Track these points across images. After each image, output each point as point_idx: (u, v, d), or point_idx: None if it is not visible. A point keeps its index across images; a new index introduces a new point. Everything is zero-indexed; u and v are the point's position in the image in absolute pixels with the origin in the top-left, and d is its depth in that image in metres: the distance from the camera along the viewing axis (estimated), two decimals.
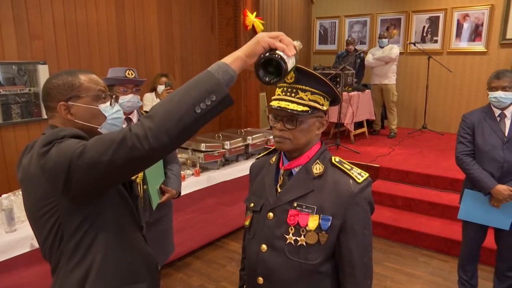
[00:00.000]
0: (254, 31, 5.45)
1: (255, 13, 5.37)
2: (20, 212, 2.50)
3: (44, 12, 3.60)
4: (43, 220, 1.11)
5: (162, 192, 2.45)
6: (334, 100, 1.31)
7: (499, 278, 2.83)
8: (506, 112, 2.61)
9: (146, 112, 2.56)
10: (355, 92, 5.92)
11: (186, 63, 5.13)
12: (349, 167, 1.26)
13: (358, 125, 6.28)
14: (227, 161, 3.88)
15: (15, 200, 2.47)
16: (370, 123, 6.64)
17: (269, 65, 0.98)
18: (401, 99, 6.96)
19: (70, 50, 3.85)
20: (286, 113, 1.22)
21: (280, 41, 0.99)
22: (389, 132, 6.46)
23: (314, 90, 1.23)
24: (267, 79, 0.99)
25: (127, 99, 2.24)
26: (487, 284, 3.02)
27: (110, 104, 1.24)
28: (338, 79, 5.81)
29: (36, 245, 2.35)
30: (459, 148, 2.73)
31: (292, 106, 1.20)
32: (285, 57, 0.97)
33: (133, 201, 1.29)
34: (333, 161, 1.28)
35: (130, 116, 2.35)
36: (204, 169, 3.67)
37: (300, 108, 1.20)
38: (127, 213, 1.23)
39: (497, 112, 2.63)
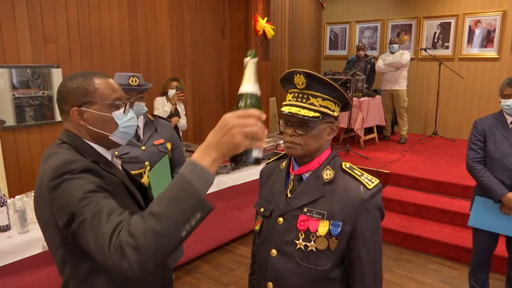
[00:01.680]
0: (264, 36, 5.48)
1: (266, 18, 5.40)
2: (32, 214, 2.53)
3: (59, 16, 3.66)
4: (51, 236, 1.11)
5: None
6: (345, 105, 1.31)
7: (511, 286, 2.80)
8: None
9: (154, 116, 2.59)
10: (365, 98, 5.90)
11: (197, 68, 5.17)
12: (359, 173, 1.27)
13: (368, 130, 6.25)
14: (236, 167, 3.89)
15: (28, 201, 2.51)
16: (380, 129, 6.61)
17: (243, 163, 0.95)
18: (412, 105, 6.92)
19: (83, 54, 3.91)
20: (297, 119, 1.23)
21: (256, 138, 0.91)
22: (399, 138, 6.42)
23: (325, 96, 1.23)
24: (240, 165, 0.97)
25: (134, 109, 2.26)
26: None
27: (124, 111, 1.21)
28: (348, 85, 5.80)
29: None
30: (470, 155, 2.71)
31: (303, 112, 1.21)
32: (259, 154, 0.94)
33: None
34: (343, 167, 1.29)
35: None
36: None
37: (311, 114, 1.20)
38: None
39: (509, 119, 2.61)
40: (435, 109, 6.56)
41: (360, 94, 5.93)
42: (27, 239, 2.32)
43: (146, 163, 2.31)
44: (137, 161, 2.26)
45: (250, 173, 3.82)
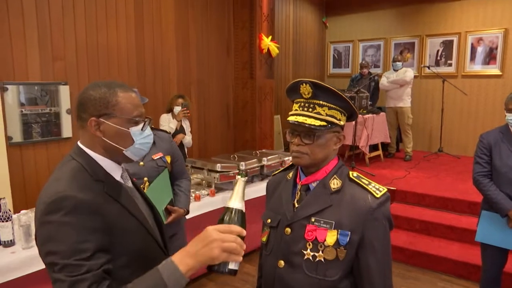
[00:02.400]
0: (269, 55, 5.54)
1: (270, 37, 5.47)
2: None
3: (67, 34, 3.73)
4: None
5: (168, 212, 2.41)
6: (351, 115, 1.32)
7: None
8: None
9: (153, 128, 2.55)
10: (370, 115, 5.92)
11: (202, 85, 5.22)
12: (367, 182, 1.26)
13: (373, 148, 6.25)
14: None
15: (33, 217, 2.50)
16: (385, 146, 6.60)
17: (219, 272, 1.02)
18: (416, 122, 6.92)
19: (90, 71, 3.96)
20: (303, 128, 1.23)
21: (233, 253, 0.98)
22: (405, 155, 6.40)
23: (331, 105, 1.24)
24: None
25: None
26: None
27: (142, 128, 1.18)
28: (352, 102, 5.81)
29: None
30: (476, 169, 2.70)
31: (309, 121, 1.21)
32: (235, 267, 1.01)
33: (160, 230, 1.29)
34: (351, 176, 1.28)
35: None
36: (219, 189, 3.67)
37: (318, 123, 1.21)
38: (150, 250, 1.19)
39: None
40: (439, 126, 6.56)
41: (365, 111, 5.95)
42: (31, 255, 2.30)
43: (145, 179, 2.30)
44: (135, 177, 2.23)
45: (255, 190, 3.80)
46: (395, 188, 4.73)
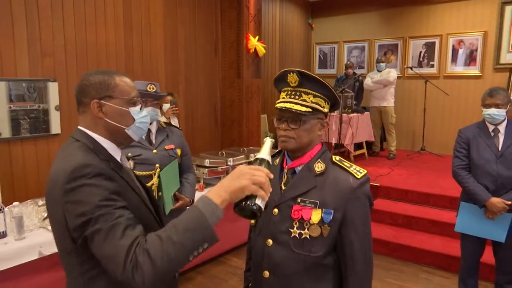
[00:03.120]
0: (256, 55, 5.63)
1: (257, 37, 5.56)
2: (29, 221, 2.56)
3: (56, 31, 3.76)
4: (59, 236, 1.17)
5: (176, 199, 2.55)
6: (334, 104, 1.41)
7: None
8: (500, 127, 2.72)
9: (167, 124, 2.71)
10: (355, 114, 6.05)
11: (190, 84, 5.28)
12: (348, 165, 1.35)
13: (358, 146, 6.38)
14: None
15: (24, 210, 2.54)
16: (369, 145, 6.75)
17: (246, 210, 1.09)
18: (400, 122, 7.09)
19: (79, 69, 3.99)
20: (290, 114, 1.32)
21: (261, 188, 1.07)
22: (388, 154, 6.55)
23: (316, 93, 1.33)
24: (241, 215, 1.11)
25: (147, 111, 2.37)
26: None
27: (140, 109, 1.29)
28: None
29: (45, 253, 2.42)
30: (455, 162, 2.83)
31: (296, 107, 1.30)
32: (261, 204, 1.08)
33: (155, 208, 1.35)
34: (333, 159, 1.37)
35: (149, 127, 2.48)
36: (208, 184, 3.74)
37: (304, 109, 1.30)
38: (150, 225, 1.24)
39: (491, 127, 2.74)
40: (422, 125, 6.74)
41: (350, 111, 6.08)
42: (24, 245, 2.35)
43: (157, 165, 2.43)
44: (148, 162, 2.39)
45: None
46: (379, 185, 4.86)
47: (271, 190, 1.09)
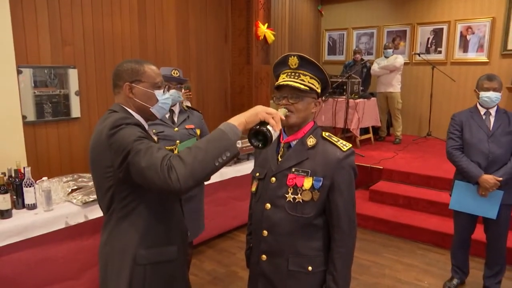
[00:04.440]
0: (265, 41, 5.80)
1: (266, 24, 5.72)
2: (55, 196, 2.83)
3: (75, 20, 3.99)
4: (102, 181, 1.44)
5: None
6: (325, 87, 1.61)
7: (489, 266, 3.06)
8: (491, 110, 2.91)
9: (188, 107, 3.02)
10: (361, 100, 6.21)
11: (201, 70, 5.49)
12: (336, 140, 1.57)
13: (364, 131, 6.55)
14: (238, 160, 4.19)
15: (51, 186, 2.80)
16: (376, 130, 6.90)
17: (259, 134, 1.30)
18: (406, 108, 7.21)
19: (96, 56, 4.23)
20: (290, 91, 1.51)
21: (272, 118, 1.30)
22: (394, 139, 6.70)
23: (312, 75, 1.54)
24: (255, 143, 1.32)
25: (170, 93, 2.62)
26: (480, 273, 3.22)
27: (163, 92, 1.56)
28: (344, 87, 6.11)
29: (70, 223, 2.69)
30: (449, 143, 3.01)
31: (296, 84, 1.51)
32: (272, 131, 1.29)
33: None
34: (323, 135, 1.59)
35: (172, 108, 2.78)
36: None
37: (302, 86, 1.51)
38: None
39: (482, 111, 2.93)
40: (429, 111, 6.86)
41: (356, 96, 6.23)
42: (52, 216, 2.61)
43: (177, 141, 2.70)
44: (170, 139, 2.68)
45: (251, 167, 4.10)
46: (382, 167, 5.04)
47: (280, 127, 1.32)
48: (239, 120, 1.29)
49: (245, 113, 1.31)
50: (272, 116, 1.30)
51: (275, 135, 1.30)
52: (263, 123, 1.30)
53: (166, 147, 2.61)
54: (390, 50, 6.50)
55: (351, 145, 1.56)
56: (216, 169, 1.25)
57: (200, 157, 1.21)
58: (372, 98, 6.56)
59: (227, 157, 1.25)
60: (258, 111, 1.30)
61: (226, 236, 4.11)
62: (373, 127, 6.66)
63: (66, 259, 2.68)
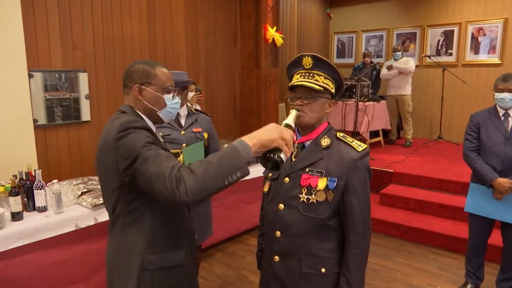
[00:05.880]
0: (274, 45, 5.80)
1: (275, 28, 5.72)
2: (65, 198, 2.83)
3: (86, 25, 4.02)
4: (108, 182, 1.42)
5: None
6: (339, 87, 1.58)
7: (503, 270, 2.99)
8: (510, 112, 2.85)
9: (197, 110, 2.98)
10: (371, 102, 6.15)
11: (210, 74, 5.50)
12: (351, 140, 1.54)
13: (374, 134, 6.49)
14: (248, 163, 4.15)
15: (61, 189, 2.80)
16: (386, 133, 6.84)
17: (271, 160, 1.27)
18: (417, 110, 7.14)
19: (106, 60, 4.25)
20: (304, 91, 1.49)
21: (286, 145, 1.26)
22: (405, 142, 6.64)
23: (327, 75, 1.52)
24: (266, 165, 1.31)
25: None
26: (493, 279, 3.15)
27: (172, 96, 1.53)
28: (354, 90, 6.07)
29: (80, 226, 2.68)
30: (466, 145, 2.97)
31: (310, 85, 1.48)
32: (284, 158, 1.27)
33: None
34: (338, 135, 1.56)
35: (179, 111, 2.71)
36: None
37: (317, 87, 1.48)
38: None
39: (501, 112, 2.87)
40: (439, 114, 6.78)
41: (366, 99, 6.18)
42: (62, 218, 2.61)
43: (184, 145, 2.68)
44: (176, 142, 2.65)
45: (261, 170, 4.07)
46: (393, 171, 4.98)
47: (292, 150, 1.29)
48: (253, 141, 1.24)
49: (261, 135, 1.25)
50: (286, 143, 1.26)
51: (285, 159, 1.29)
52: (276, 149, 1.27)
53: (172, 151, 2.58)
54: (399, 53, 6.45)
55: (366, 146, 1.52)
56: (224, 187, 1.22)
57: (211, 172, 1.18)
58: (382, 101, 6.50)
59: (237, 177, 1.22)
60: (274, 138, 1.24)
61: (235, 239, 4.09)
62: (383, 130, 6.60)
63: (76, 261, 2.67)
